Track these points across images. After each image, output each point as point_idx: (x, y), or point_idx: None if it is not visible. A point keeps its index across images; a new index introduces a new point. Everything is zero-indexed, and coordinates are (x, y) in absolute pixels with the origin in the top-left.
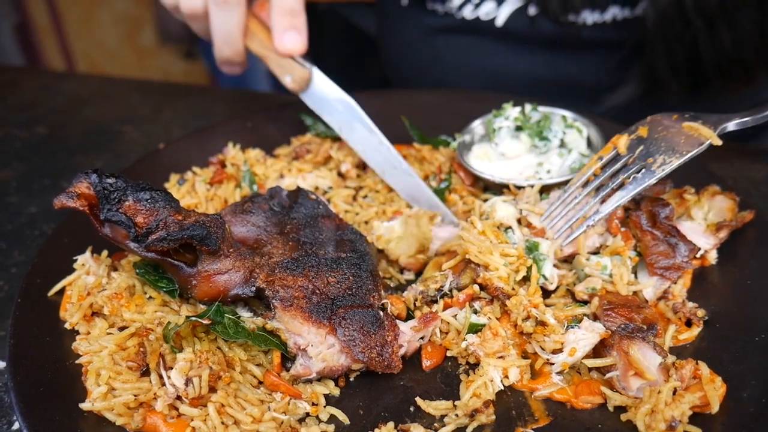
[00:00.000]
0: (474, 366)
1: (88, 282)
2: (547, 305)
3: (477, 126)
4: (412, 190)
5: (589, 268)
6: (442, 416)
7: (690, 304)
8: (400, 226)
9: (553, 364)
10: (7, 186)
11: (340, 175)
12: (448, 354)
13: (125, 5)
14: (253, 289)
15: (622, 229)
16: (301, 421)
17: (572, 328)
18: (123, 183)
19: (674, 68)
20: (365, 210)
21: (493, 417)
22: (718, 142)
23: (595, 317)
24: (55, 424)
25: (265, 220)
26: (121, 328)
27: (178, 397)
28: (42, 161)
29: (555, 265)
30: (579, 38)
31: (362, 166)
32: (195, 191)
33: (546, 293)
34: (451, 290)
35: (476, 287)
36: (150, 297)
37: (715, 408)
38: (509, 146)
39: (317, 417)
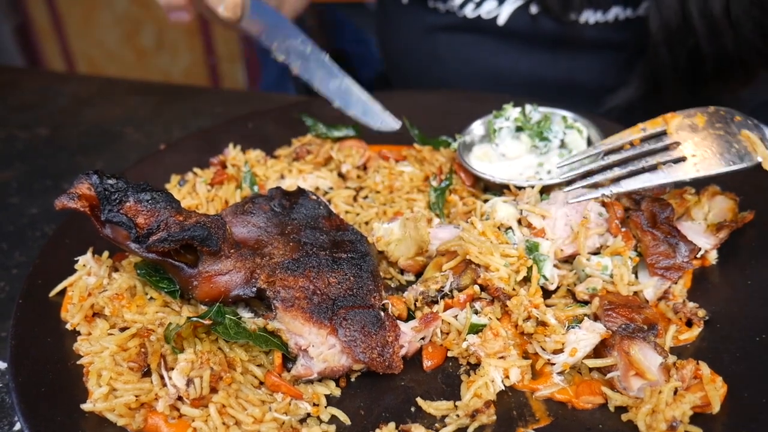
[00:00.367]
0: (475, 366)
1: (90, 283)
2: (547, 305)
3: (477, 126)
4: (344, 94)
5: (590, 268)
6: (443, 416)
7: (690, 305)
8: (399, 229)
9: (554, 364)
10: (8, 187)
11: (341, 175)
12: (449, 354)
13: (125, 6)
14: (254, 289)
15: (623, 230)
16: (302, 421)
17: (573, 328)
18: (124, 184)
19: (676, 70)
20: (366, 211)
21: (494, 417)
22: (766, 166)
23: (595, 317)
24: (57, 425)
25: (265, 220)
26: (123, 329)
27: (180, 398)
28: (43, 162)
29: (555, 266)
30: (580, 38)
31: (363, 167)
32: (196, 192)
33: (546, 293)
34: (451, 291)
35: (477, 288)
36: (151, 298)
37: (716, 408)
38: (510, 147)
39: (318, 417)
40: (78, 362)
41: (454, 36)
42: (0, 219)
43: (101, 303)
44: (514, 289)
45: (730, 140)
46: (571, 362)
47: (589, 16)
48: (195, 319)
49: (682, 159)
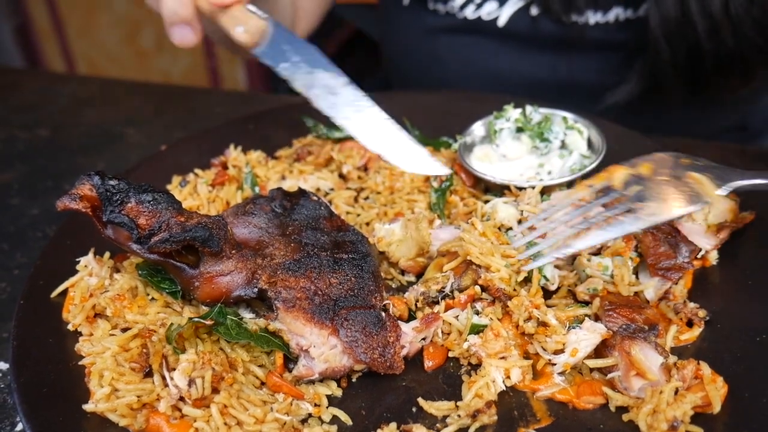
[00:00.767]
0: (476, 367)
1: (91, 283)
2: (548, 306)
3: (478, 127)
4: (401, 149)
5: (591, 268)
6: (444, 417)
7: (691, 305)
8: (400, 230)
9: (555, 364)
10: (9, 188)
11: (342, 176)
12: (450, 355)
13: (126, 7)
14: (256, 290)
15: None
16: (303, 421)
17: (574, 328)
18: (125, 185)
19: (676, 67)
20: (367, 211)
21: (495, 417)
22: (726, 205)
23: (596, 318)
24: (58, 426)
25: (266, 221)
26: (124, 330)
27: (181, 398)
28: (44, 163)
29: (556, 266)
30: (581, 39)
31: (364, 168)
32: (197, 193)
33: (547, 294)
34: (452, 291)
35: (478, 288)
36: (152, 298)
37: (716, 408)
38: (510, 148)
39: (320, 418)
40: (80, 363)
41: (454, 37)
42: (1, 220)
43: (103, 304)
44: (514, 290)
45: (678, 184)
46: (572, 362)
47: (590, 17)
48: (196, 319)
49: (631, 210)
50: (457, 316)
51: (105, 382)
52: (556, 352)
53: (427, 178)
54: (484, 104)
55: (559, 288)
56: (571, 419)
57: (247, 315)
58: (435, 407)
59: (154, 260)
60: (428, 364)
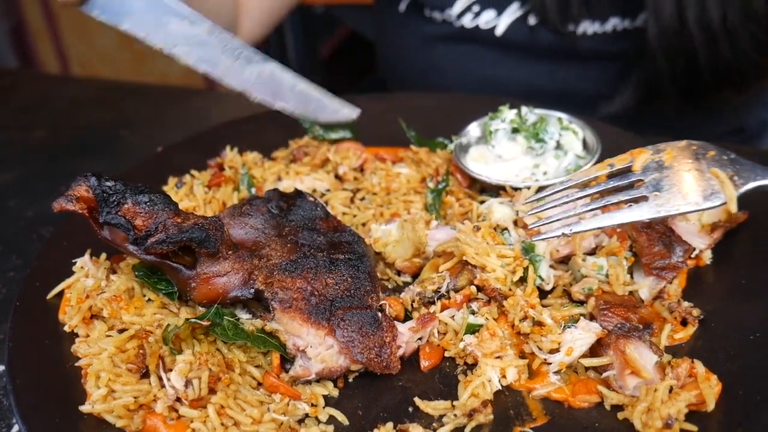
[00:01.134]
0: (472, 366)
1: (87, 285)
2: (543, 306)
3: (474, 128)
4: (269, 83)
5: (586, 268)
6: (441, 416)
7: (685, 304)
8: (397, 230)
9: (551, 363)
10: (5, 189)
11: (338, 177)
12: (446, 355)
13: None
14: (252, 291)
15: (618, 230)
16: (300, 422)
17: (569, 328)
18: (122, 186)
19: (673, 78)
20: (363, 212)
21: (491, 416)
22: (734, 210)
23: (591, 317)
24: (55, 427)
25: (263, 222)
26: (121, 331)
27: (178, 399)
28: (40, 165)
29: (551, 266)
30: (578, 48)
31: (360, 169)
32: (193, 194)
33: (543, 294)
34: (448, 291)
35: (473, 288)
36: (149, 299)
37: (710, 406)
38: (506, 148)
39: (316, 418)
40: (76, 364)
41: (451, 46)
42: None
43: (99, 305)
44: (510, 290)
45: (698, 178)
46: (568, 361)
47: (587, 27)
48: (193, 320)
49: (644, 198)
50: (453, 316)
51: (102, 383)
52: (552, 352)
53: (423, 179)
54: (479, 105)
55: (554, 288)
56: (567, 418)
57: (243, 316)
58: (431, 407)
59: (150, 261)
60: (424, 364)
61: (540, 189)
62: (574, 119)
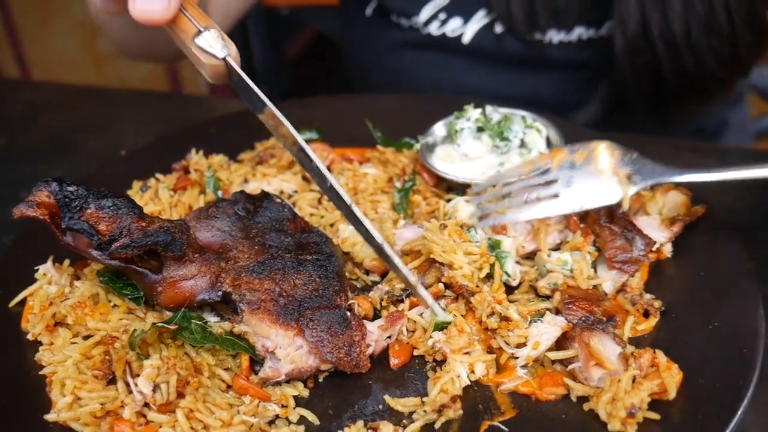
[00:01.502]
0: (441, 363)
1: (51, 292)
2: (510, 301)
3: (439, 128)
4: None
5: (551, 264)
6: (411, 413)
7: (647, 296)
8: None
9: (518, 358)
10: None
11: (305, 178)
12: (415, 353)
13: (82, 12)
14: (220, 293)
15: (582, 225)
16: (270, 423)
17: (535, 322)
18: (84, 191)
19: (638, 90)
20: (331, 213)
21: (461, 412)
22: (626, 205)
23: (557, 311)
24: None
25: (230, 224)
26: (86, 337)
27: (146, 404)
28: (0, 172)
29: (517, 262)
30: (545, 57)
31: (328, 169)
32: (158, 198)
33: (509, 289)
34: None
35: (441, 286)
36: (115, 305)
37: (672, 394)
38: (471, 147)
39: (287, 418)
40: (40, 372)
41: (419, 53)
42: None
43: (63, 312)
44: (477, 286)
45: (603, 179)
46: (534, 355)
47: (553, 36)
48: (160, 324)
49: (556, 195)
50: (422, 313)
51: (67, 390)
52: (519, 346)
53: (390, 179)
54: (444, 105)
55: (520, 283)
56: (534, 410)
57: (211, 319)
58: (401, 404)
59: (115, 266)
60: (394, 361)
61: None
62: (537, 117)
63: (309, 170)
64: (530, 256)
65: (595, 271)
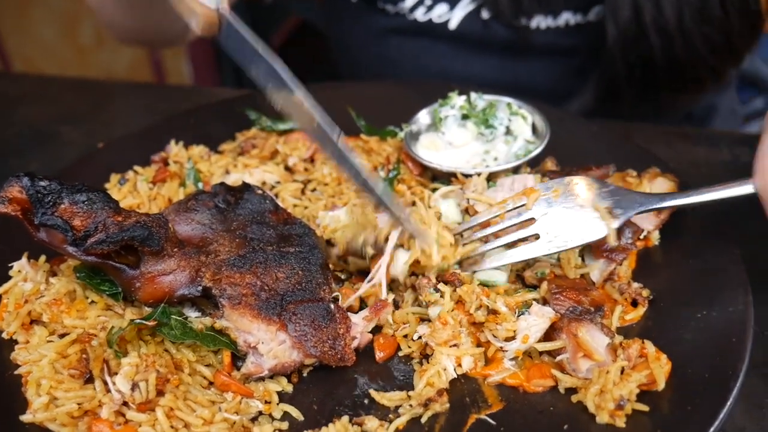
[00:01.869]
0: (428, 356)
1: (26, 289)
2: (497, 293)
3: (423, 116)
4: (364, 185)
5: None
6: (397, 407)
7: (635, 285)
8: (346, 215)
9: (507, 351)
10: None
11: (288, 169)
12: (400, 354)
13: (61, 1)
14: (200, 288)
15: None
16: (253, 420)
17: (523, 314)
18: (57, 185)
19: (631, 79)
20: (314, 204)
21: (447, 405)
22: (613, 242)
23: (544, 301)
24: None
25: (210, 217)
26: (62, 335)
27: (125, 403)
28: None
29: None
30: (531, 43)
31: (310, 160)
32: (137, 191)
33: None
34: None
35: (432, 278)
36: (92, 301)
37: (661, 385)
38: (456, 135)
39: (270, 415)
40: (16, 372)
41: (405, 39)
42: None
43: (39, 309)
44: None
45: (581, 213)
46: (524, 349)
47: (540, 21)
48: (139, 321)
49: (537, 236)
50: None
51: (43, 390)
52: (508, 339)
53: (374, 168)
54: (428, 92)
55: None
56: (522, 403)
57: (192, 314)
58: (387, 398)
59: (91, 262)
60: (379, 355)
61: (491, 175)
62: (523, 104)
63: (292, 112)
64: None
65: (583, 260)
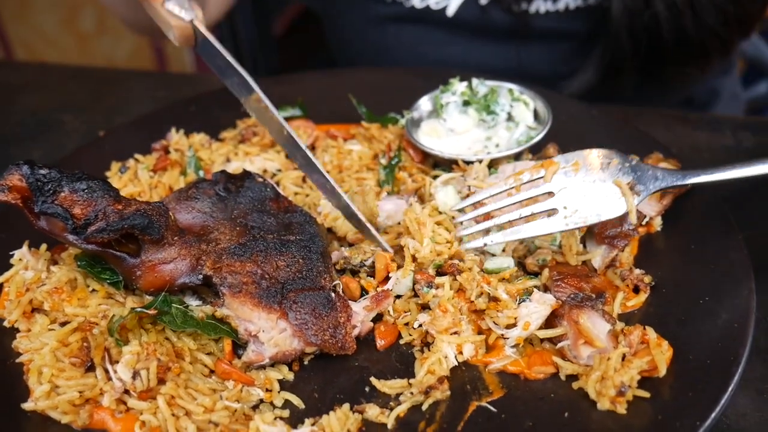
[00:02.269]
0: (429, 344)
1: (27, 277)
2: (499, 279)
3: (425, 102)
4: (330, 193)
5: (539, 240)
6: (398, 395)
7: (637, 271)
8: None
9: (508, 338)
10: None
11: (289, 157)
12: (401, 342)
13: None
14: (200, 277)
15: None
16: (254, 408)
17: (524, 301)
18: (57, 173)
19: (636, 55)
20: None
21: (448, 393)
22: (634, 219)
23: (545, 288)
24: None
25: (210, 205)
26: (63, 324)
27: (126, 391)
28: None
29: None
30: (531, 28)
31: (311, 147)
32: (138, 179)
33: None
34: (372, 265)
35: (431, 271)
36: (93, 290)
37: (662, 371)
38: (457, 121)
39: (271, 403)
40: (17, 360)
41: (402, 26)
42: None
43: (40, 298)
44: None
45: (602, 189)
46: (525, 336)
47: (540, 6)
48: (139, 309)
49: (554, 210)
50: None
51: (44, 378)
52: (509, 327)
53: (376, 156)
54: (429, 79)
55: None
56: (523, 390)
57: (193, 302)
58: (388, 386)
59: (92, 251)
60: (380, 343)
61: (492, 162)
62: (525, 90)
63: (264, 123)
64: None
65: (584, 247)
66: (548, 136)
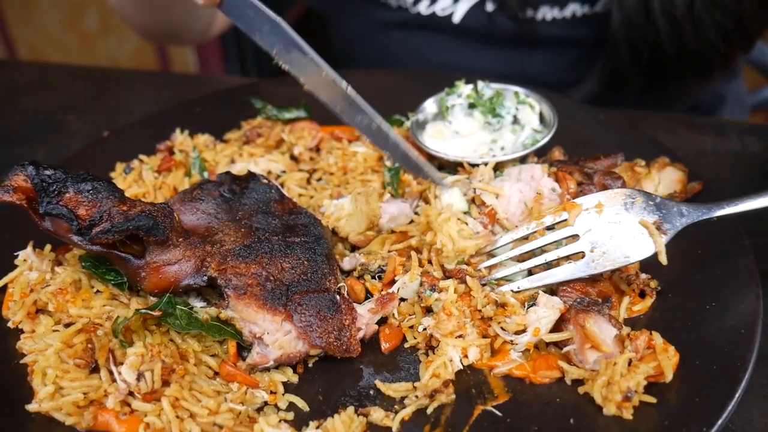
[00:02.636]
0: (434, 347)
1: (31, 278)
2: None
3: (430, 104)
4: (376, 135)
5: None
6: (403, 398)
7: (643, 276)
8: (350, 204)
9: (517, 344)
10: None
11: (293, 158)
12: (406, 346)
13: None
14: (205, 278)
15: None
16: (259, 410)
17: (531, 306)
18: (62, 174)
19: (636, 67)
20: (320, 193)
21: (453, 396)
22: (663, 261)
23: (552, 292)
24: (1, 428)
25: (215, 207)
26: (68, 325)
27: (131, 393)
28: None
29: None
30: (537, 35)
31: (315, 149)
32: (142, 180)
33: None
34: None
35: (436, 273)
36: (97, 291)
37: (669, 377)
38: (463, 124)
39: (276, 405)
40: (21, 361)
41: (407, 33)
42: None
43: (44, 299)
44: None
45: (628, 229)
46: (535, 341)
47: (546, 13)
48: (144, 311)
49: (581, 254)
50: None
51: (48, 380)
52: (517, 333)
53: (380, 158)
54: (435, 81)
55: None
56: (528, 394)
57: (197, 304)
58: (393, 389)
59: (96, 252)
60: (385, 345)
61: (497, 164)
62: (530, 93)
63: (299, 71)
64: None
65: None
66: (554, 139)
